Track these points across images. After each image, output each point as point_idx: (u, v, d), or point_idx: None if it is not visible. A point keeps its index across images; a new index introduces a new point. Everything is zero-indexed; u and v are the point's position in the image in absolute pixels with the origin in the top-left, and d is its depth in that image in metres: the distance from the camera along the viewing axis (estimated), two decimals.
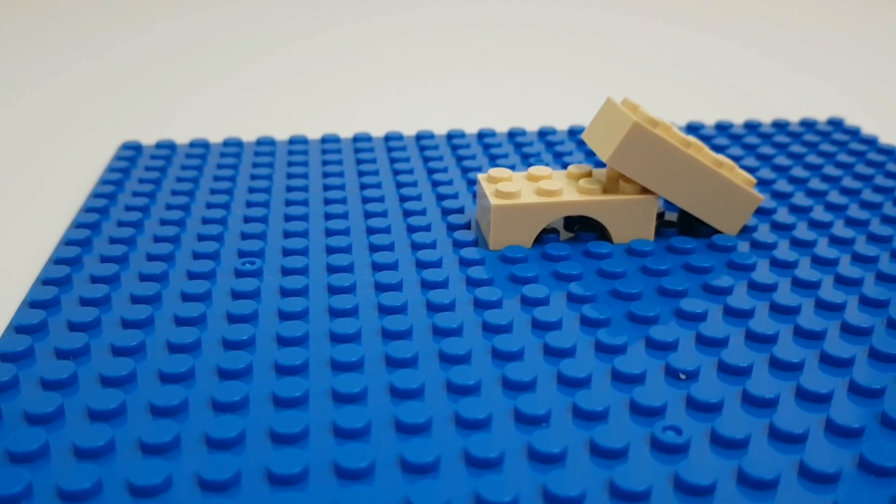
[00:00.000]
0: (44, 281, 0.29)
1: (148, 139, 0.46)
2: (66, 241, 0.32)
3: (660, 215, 0.35)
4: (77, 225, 0.34)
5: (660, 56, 0.64)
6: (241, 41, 0.68)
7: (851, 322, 0.27)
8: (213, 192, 0.37)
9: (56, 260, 0.31)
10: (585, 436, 0.22)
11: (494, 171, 0.34)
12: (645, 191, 0.33)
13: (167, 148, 0.42)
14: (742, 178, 0.33)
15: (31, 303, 0.28)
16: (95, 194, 0.37)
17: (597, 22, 0.76)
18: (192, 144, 0.43)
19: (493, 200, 0.32)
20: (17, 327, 0.27)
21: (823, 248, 0.32)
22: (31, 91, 0.55)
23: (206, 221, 0.34)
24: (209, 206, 0.36)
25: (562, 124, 0.49)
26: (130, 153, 0.41)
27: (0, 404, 0.23)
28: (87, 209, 0.35)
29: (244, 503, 0.20)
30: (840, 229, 0.34)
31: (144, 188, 0.37)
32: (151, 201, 0.36)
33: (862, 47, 0.68)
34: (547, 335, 0.26)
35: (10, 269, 0.32)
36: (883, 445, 0.22)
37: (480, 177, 0.34)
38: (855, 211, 0.35)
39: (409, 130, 0.47)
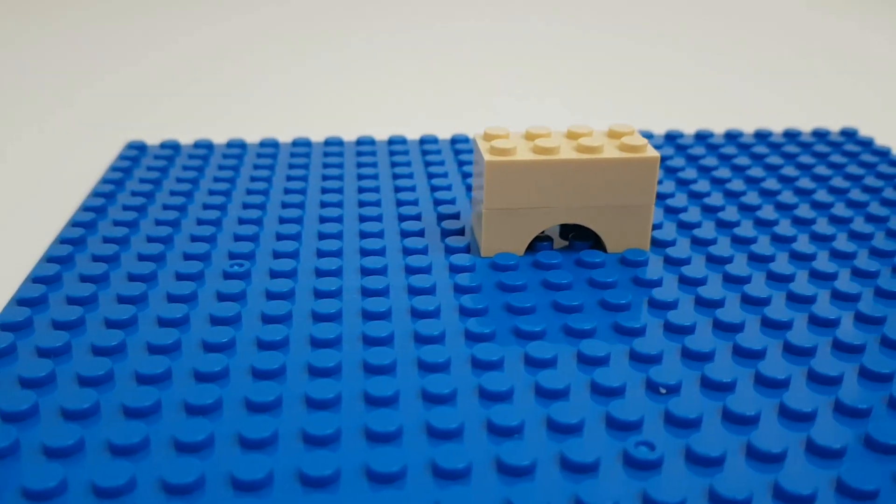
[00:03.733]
0: (34, 279, 0.30)
1: (158, 140, 0.46)
2: (61, 240, 0.33)
3: (657, 226, 0.35)
4: (74, 223, 0.34)
5: (673, 64, 0.64)
6: (257, 47, 0.68)
7: (843, 339, 0.27)
8: (211, 192, 0.37)
9: (48, 258, 0.31)
10: (556, 448, 0.22)
11: None
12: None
13: (170, 148, 0.43)
14: (631, 147, 0.31)
15: (19, 300, 0.28)
16: (95, 193, 0.37)
17: (608, 30, 0.75)
18: (196, 145, 0.43)
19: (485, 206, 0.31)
20: (1, 325, 0.27)
21: (823, 263, 0.31)
22: (49, 89, 0.55)
23: (200, 222, 0.34)
24: (205, 206, 0.36)
25: None
26: (134, 153, 0.42)
27: None
28: (84, 208, 0.35)
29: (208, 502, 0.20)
30: (842, 243, 0.33)
31: (144, 188, 0.37)
32: (149, 201, 0.36)
33: (887, 58, 0.67)
34: (528, 345, 0.26)
35: (6, 264, 0.32)
36: (863, 466, 0.21)
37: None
38: (860, 224, 0.35)
39: (414, 135, 0.47)
